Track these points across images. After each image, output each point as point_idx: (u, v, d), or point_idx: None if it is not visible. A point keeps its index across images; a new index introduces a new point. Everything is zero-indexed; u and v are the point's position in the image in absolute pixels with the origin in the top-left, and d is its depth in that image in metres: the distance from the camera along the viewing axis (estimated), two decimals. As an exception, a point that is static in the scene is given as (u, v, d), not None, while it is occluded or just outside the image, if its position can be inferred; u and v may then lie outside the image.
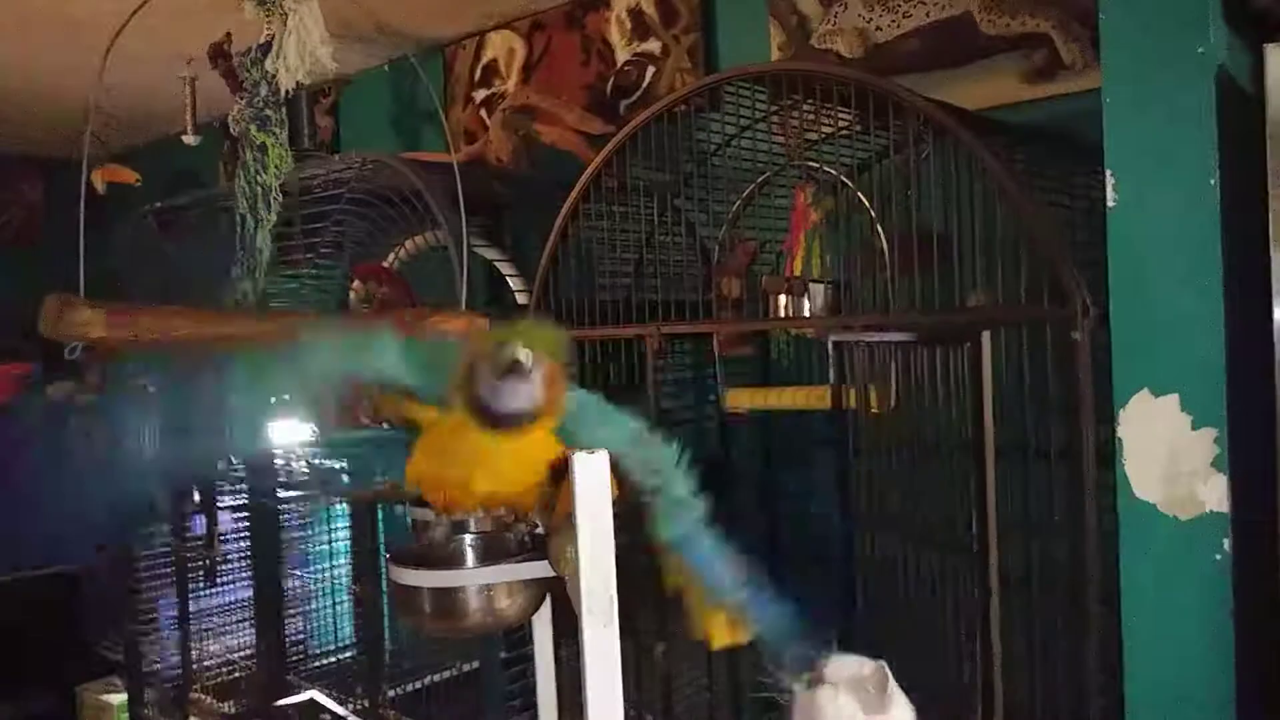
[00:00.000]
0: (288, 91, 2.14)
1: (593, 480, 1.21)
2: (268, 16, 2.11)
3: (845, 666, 1.32)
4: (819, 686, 1.29)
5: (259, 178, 2.19)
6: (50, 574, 3.93)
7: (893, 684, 1.30)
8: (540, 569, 1.43)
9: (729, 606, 1.32)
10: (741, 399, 2.19)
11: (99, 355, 2.79)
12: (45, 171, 4.83)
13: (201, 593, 3.16)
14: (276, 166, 2.21)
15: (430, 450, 1.35)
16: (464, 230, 2.10)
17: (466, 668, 2.67)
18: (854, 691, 1.28)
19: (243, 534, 3.13)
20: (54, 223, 4.84)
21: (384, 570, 2.37)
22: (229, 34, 2.92)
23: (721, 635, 1.32)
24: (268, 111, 2.15)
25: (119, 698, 3.38)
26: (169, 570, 3.17)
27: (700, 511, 1.31)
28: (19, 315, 4.57)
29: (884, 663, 1.30)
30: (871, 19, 2.32)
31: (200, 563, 3.13)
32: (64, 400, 4.10)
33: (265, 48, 2.12)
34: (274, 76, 2.12)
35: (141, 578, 3.19)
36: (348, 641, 3.10)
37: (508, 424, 1.25)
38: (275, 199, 2.20)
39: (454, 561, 1.59)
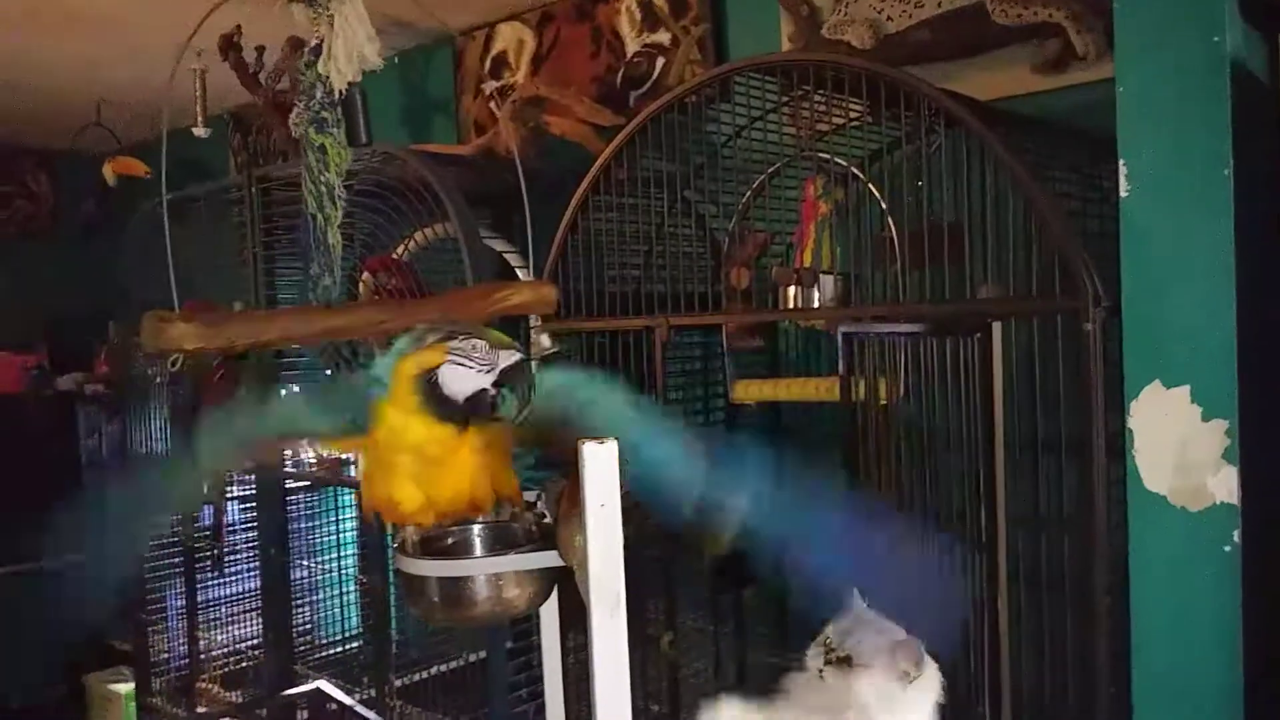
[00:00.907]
0: (340, 91, 2.15)
1: (601, 469, 1.21)
2: (316, 19, 2.12)
3: (870, 635, 1.27)
4: (854, 668, 1.25)
5: (322, 178, 2.21)
6: (57, 565, 3.94)
7: (925, 655, 1.26)
8: (549, 559, 1.43)
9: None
10: (750, 390, 2.19)
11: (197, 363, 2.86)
12: (51, 164, 4.84)
13: (209, 583, 3.17)
14: (337, 165, 2.23)
15: (375, 468, 1.36)
16: (526, 208, 2.11)
17: (473, 657, 2.68)
18: (885, 664, 1.24)
19: (250, 524, 3.14)
20: (61, 215, 4.86)
21: (391, 560, 2.37)
22: (239, 26, 2.93)
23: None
24: (324, 113, 2.17)
25: (127, 687, 3.40)
26: (177, 561, 3.19)
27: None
28: (28, 307, 4.58)
29: (913, 640, 1.25)
30: (883, 9, 2.31)
31: (208, 553, 3.14)
32: (73, 390, 4.12)
33: (317, 50, 2.14)
34: (328, 78, 2.13)
35: (149, 568, 3.20)
36: (355, 631, 3.10)
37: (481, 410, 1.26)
38: (340, 196, 2.22)
39: (462, 551, 1.59)
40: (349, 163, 2.21)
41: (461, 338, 1.25)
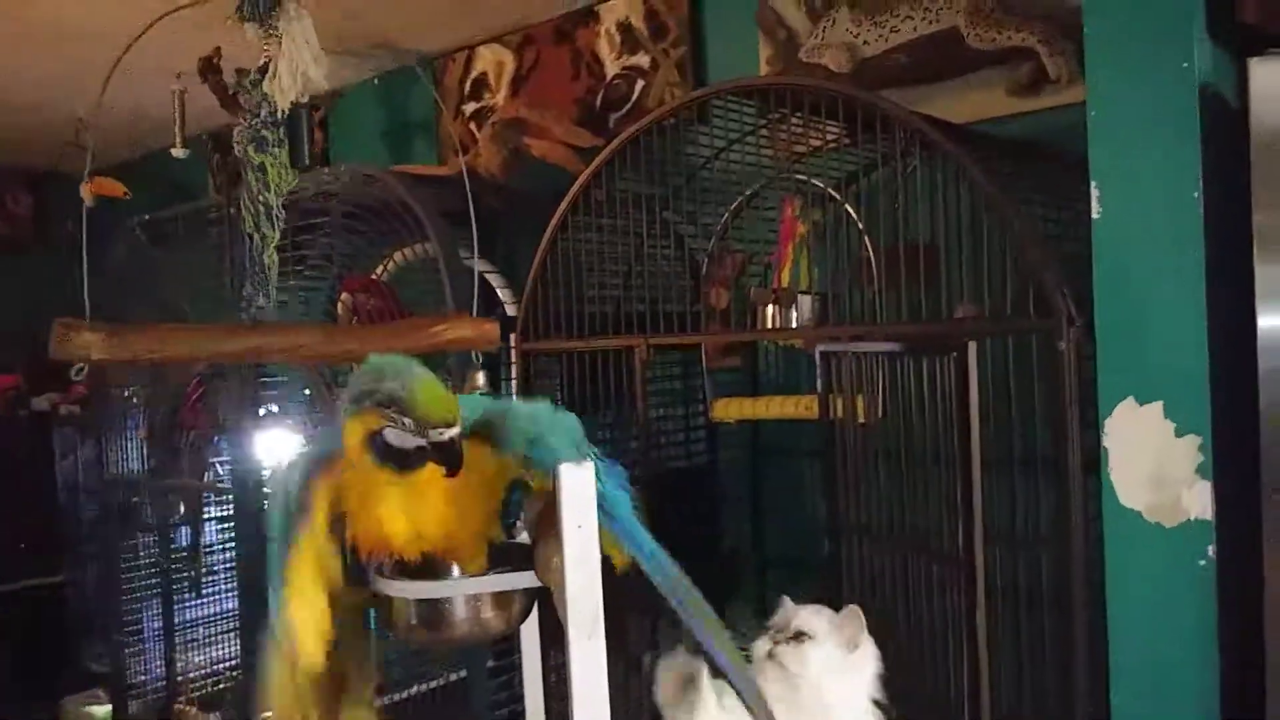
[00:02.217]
0: (283, 111, 2.14)
1: (577, 490, 1.21)
2: (266, 39, 2.12)
3: (814, 615, 1.46)
4: (802, 640, 1.42)
5: (261, 197, 2.20)
6: (35, 585, 3.90)
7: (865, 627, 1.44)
8: (527, 579, 1.43)
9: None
10: (729, 409, 2.20)
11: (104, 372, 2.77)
12: (33, 183, 4.81)
13: (187, 604, 3.14)
14: (277, 185, 2.21)
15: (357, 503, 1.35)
16: (474, 227, 2.09)
17: (454, 677, 2.66)
18: (834, 636, 1.43)
19: (228, 544, 3.12)
20: (42, 235, 4.83)
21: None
22: (218, 49, 2.92)
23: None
24: (264, 132, 2.16)
25: (103, 709, 3.35)
26: (154, 582, 3.16)
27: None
28: (6, 327, 4.54)
29: (856, 607, 1.43)
30: (859, 33, 2.34)
31: (185, 574, 3.12)
32: (48, 411, 4.09)
33: (265, 69, 2.14)
34: (272, 97, 2.13)
35: (126, 589, 3.17)
36: (334, 652, 3.07)
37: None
38: (278, 217, 2.21)
39: (439, 571, 1.58)
40: (292, 184, 2.20)
41: (392, 409, 1.22)
